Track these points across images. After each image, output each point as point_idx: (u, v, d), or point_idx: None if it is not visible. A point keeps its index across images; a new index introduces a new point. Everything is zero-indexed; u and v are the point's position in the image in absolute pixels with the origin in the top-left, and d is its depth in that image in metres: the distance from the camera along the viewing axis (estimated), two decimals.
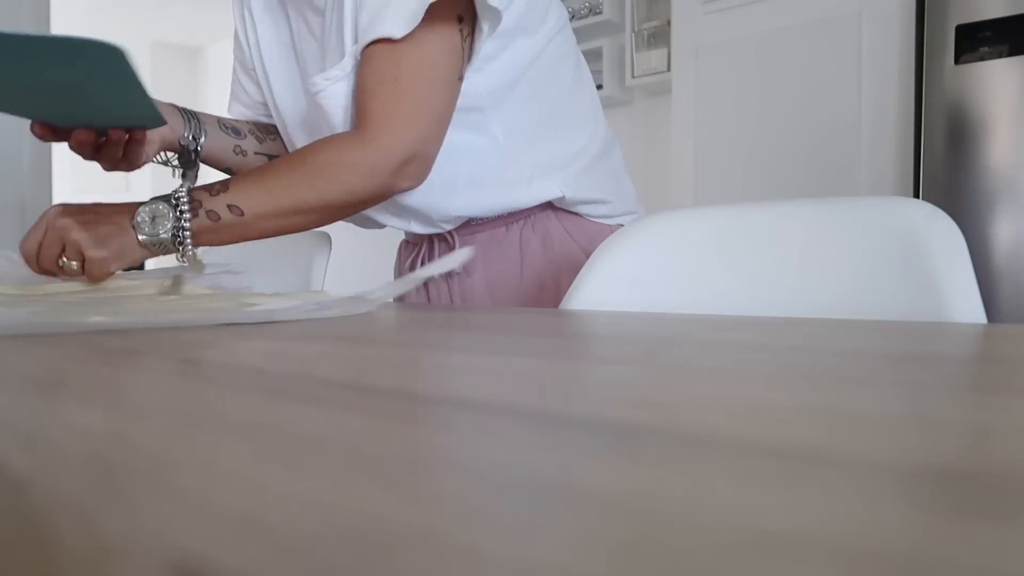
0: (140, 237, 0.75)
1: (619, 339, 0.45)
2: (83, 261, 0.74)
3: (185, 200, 0.76)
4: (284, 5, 1.00)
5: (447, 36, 0.83)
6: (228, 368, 0.32)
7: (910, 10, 2.02)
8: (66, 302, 0.64)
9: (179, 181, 1.04)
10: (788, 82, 2.32)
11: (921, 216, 0.68)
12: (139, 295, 0.73)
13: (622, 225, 1.02)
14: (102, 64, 0.64)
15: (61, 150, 5.39)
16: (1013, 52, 1.74)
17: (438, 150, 0.87)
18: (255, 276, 1.34)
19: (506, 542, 0.12)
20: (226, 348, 0.40)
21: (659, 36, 2.91)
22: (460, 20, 0.84)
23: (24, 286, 0.72)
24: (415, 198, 0.96)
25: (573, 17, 3.14)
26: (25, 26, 2.39)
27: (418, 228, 1.01)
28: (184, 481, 0.16)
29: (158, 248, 0.76)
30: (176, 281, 0.80)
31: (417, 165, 0.85)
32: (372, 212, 0.98)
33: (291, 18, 0.99)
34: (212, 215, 0.76)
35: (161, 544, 0.12)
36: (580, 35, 3.09)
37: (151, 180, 6.54)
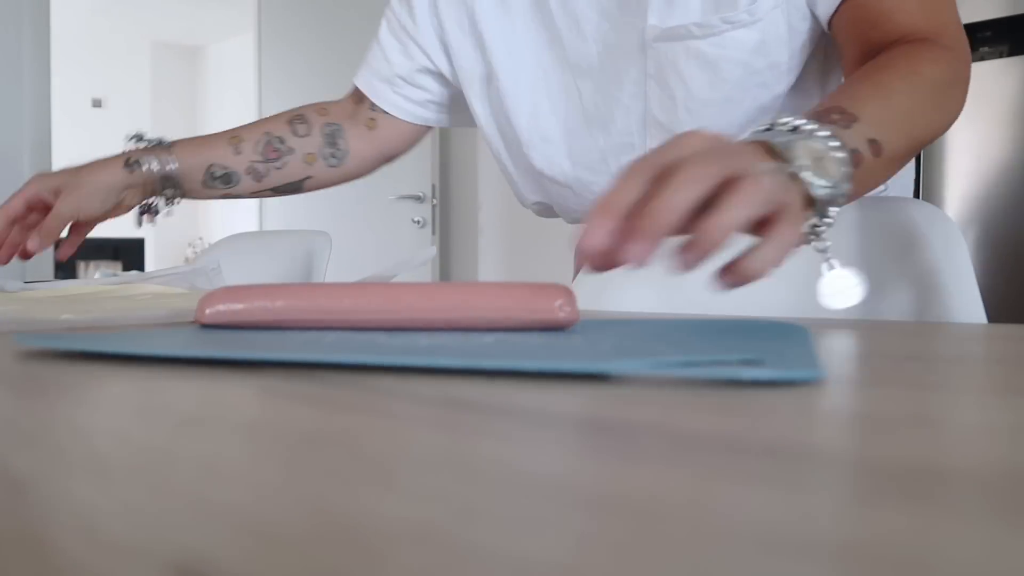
0: (817, 191, 0.43)
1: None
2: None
3: (827, 133, 0.45)
4: None
5: None
6: (225, 368, 0.32)
7: None
8: (38, 300, 0.64)
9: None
10: None
11: (921, 216, 0.68)
12: (113, 296, 0.71)
13: None
14: None
15: (61, 150, 5.40)
16: (1013, 52, 1.74)
17: None
18: (256, 276, 1.34)
19: (506, 542, 0.12)
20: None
21: None
22: None
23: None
24: None
25: None
26: (25, 26, 2.40)
27: None
28: (184, 481, 0.16)
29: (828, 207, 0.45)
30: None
31: None
32: None
33: None
34: (856, 156, 0.48)
35: (161, 544, 0.12)
36: None
37: None
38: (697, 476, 0.16)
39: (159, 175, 0.88)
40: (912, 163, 0.86)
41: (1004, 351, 0.40)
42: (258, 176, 0.93)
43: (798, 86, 0.73)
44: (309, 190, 0.99)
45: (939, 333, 0.49)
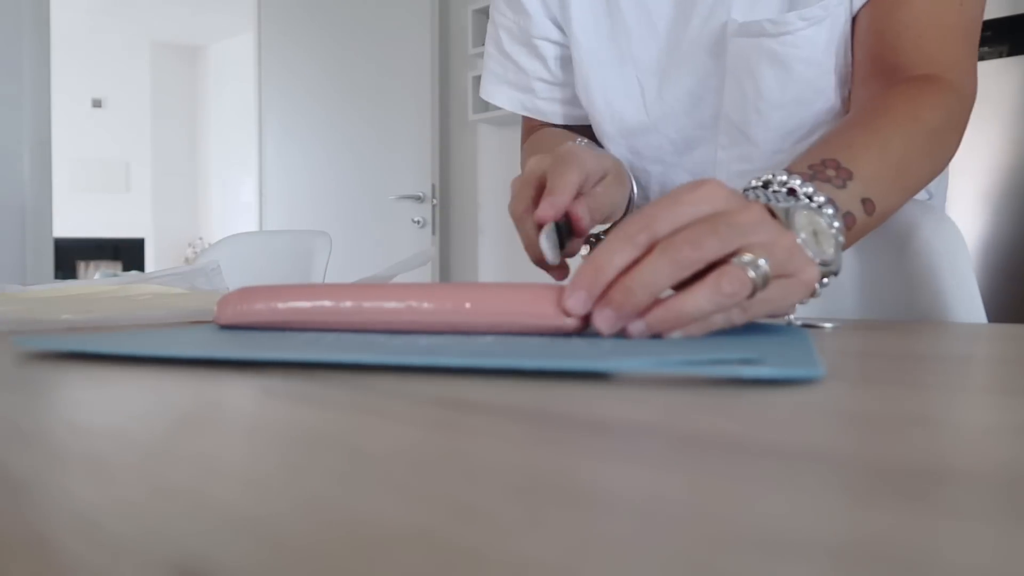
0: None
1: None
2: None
3: (825, 201, 0.46)
4: None
5: None
6: (225, 368, 0.32)
7: None
8: (38, 300, 0.64)
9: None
10: None
11: (921, 216, 0.68)
12: (113, 296, 0.71)
13: None
14: None
15: (61, 150, 5.40)
16: (1013, 52, 1.74)
17: None
18: (256, 276, 1.34)
19: (506, 542, 0.12)
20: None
21: None
22: None
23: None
24: None
25: None
26: (25, 26, 2.39)
27: None
28: (184, 481, 0.16)
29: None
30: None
31: None
32: None
33: None
34: (848, 219, 0.50)
35: (161, 544, 0.12)
36: None
37: (151, 177, 6.55)
38: (697, 476, 0.16)
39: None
40: (947, 170, 0.83)
41: (1004, 351, 0.40)
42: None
43: None
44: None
45: (939, 333, 0.49)
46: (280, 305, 0.41)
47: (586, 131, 0.83)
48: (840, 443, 0.19)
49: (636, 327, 0.36)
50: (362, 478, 0.16)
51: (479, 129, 2.78)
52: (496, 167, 2.74)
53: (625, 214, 0.70)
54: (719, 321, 0.37)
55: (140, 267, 6.40)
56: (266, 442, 0.20)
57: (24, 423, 0.22)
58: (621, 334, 0.36)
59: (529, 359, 0.29)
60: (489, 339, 0.37)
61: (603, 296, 0.36)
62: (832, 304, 0.73)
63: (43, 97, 2.47)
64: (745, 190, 0.47)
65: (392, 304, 0.39)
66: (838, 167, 0.51)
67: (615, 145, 0.79)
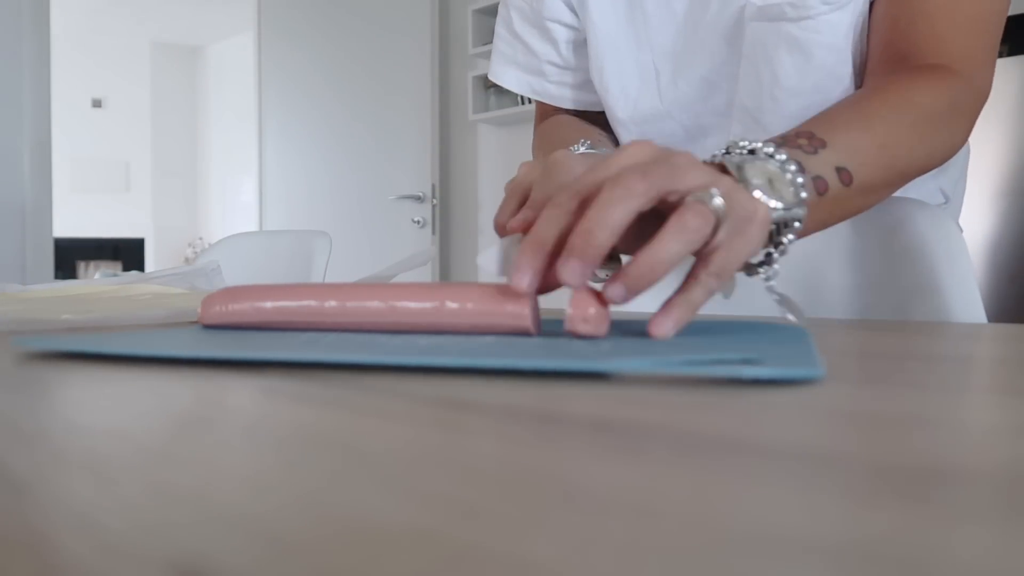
0: (771, 213, 0.41)
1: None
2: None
3: (785, 158, 0.43)
4: None
5: None
6: (225, 368, 0.32)
7: None
8: (38, 300, 0.64)
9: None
10: None
11: (921, 216, 0.68)
12: (113, 296, 0.71)
13: None
14: None
15: (61, 150, 5.40)
16: (1013, 52, 1.74)
17: None
18: (256, 276, 1.34)
19: (506, 542, 0.12)
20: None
21: None
22: None
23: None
24: None
25: None
26: (25, 26, 2.39)
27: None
28: (184, 481, 0.16)
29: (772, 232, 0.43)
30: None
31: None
32: None
33: None
34: (819, 184, 0.48)
35: (161, 544, 0.12)
36: None
37: (151, 178, 6.55)
38: (697, 476, 0.16)
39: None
40: (964, 172, 0.83)
41: (1004, 351, 0.40)
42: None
43: None
44: None
45: (939, 333, 0.49)
46: (263, 305, 0.41)
47: (598, 116, 0.82)
48: (840, 443, 0.19)
49: (615, 291, 0.34)
50: (362, 478, 0.16)
51: (479, 129, 2.78)
52: (496, 167, 2.74)
53: None
54: (700, 297, 0.37)
55: (140, 267, 6.40)
56: (266, 442, 0.20)
57: (24, 423, 0.22)
58: (600, 333, 0.36)
59: (529, 359, 0.29)
60: (489, 339, 0.37)
61: (552, 266, 0.35)
62: (832, 304, 0.73)
63: (43, 97, 2.47)
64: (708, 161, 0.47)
65: (366, 304, 0.40)
66: (812, 137, 0.50)
67: (627, 132, 0.78)
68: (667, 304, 0.37)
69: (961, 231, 0.72)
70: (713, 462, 0.17)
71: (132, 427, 0.22)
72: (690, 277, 0.38)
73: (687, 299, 0.37)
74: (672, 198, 0.37)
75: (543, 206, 0.43)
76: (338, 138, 3.09)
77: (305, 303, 0.40)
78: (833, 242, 0.74)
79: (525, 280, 0.36)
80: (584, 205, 0.36)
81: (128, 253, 6.57)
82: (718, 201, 0.36)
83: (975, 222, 1.77)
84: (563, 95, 0.83)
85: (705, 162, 0.42)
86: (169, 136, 6.65)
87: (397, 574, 0.11)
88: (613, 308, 0.37)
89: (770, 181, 0.42)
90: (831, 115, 0.54)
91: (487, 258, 0.39)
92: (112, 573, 0.11)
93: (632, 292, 0.35)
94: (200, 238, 6.66)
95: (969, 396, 0.27)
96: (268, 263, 1.42)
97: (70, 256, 6.22)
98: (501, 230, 0.47)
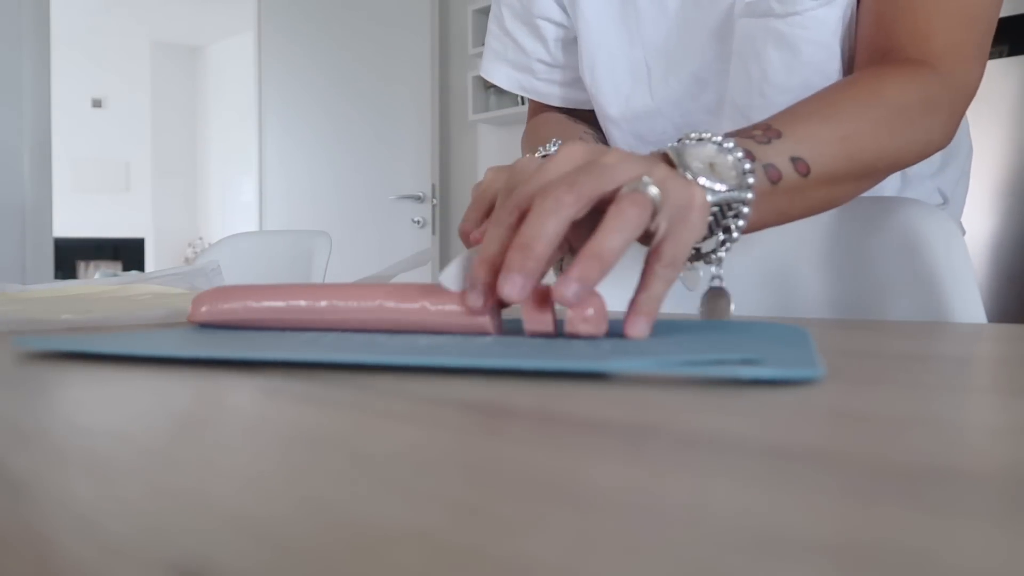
0: (713, 195, 0.42)
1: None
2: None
3: (732, 144, 0.44)
4: None
5: None
6: (225, 368, 0.32)
7: None
8: (38, 300, 0.64)
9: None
10: None
11: (921, 216, 0.68)
12: (113, 296, 0.71)
13: None
14: None
15: (61, 150, 5.40)
16: (1013, 52, 1.74)
17: None
18: (256, 276, 1.34)
19: (506, 542, 0.12)
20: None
21: None
22: None
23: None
24: None
25: None
26: (25, 26, 2.39)
27: None
28: (184, 481, 0.16)
29: (714, 217, 0.44)
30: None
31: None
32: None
33: None
34: (771, 172, 0.47)
35: (161, 544, 0.12)
36: None
37: (151, 178, 6.55)
38: (697, 476, 0.16)
39: None
40: (966, 172, 0.82)
41: (1004, 351, 0.40)
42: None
43: None
44: None
45: (939, 333, 0.49)
46: (251, 304, 0.42)
47: (588, 114, 0.82)
48: (840, 443, 0.19)
49: (568, 289, 0.34)
50: (362, 478, 0.16)
51: (479, 129, 2.78)
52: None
53: None
54: (660, 289, 0.37)
55: (140, 267, 6.40)
56: (266, 442, 0.20)
57: (24, 423, 0.22)
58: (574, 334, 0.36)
59: (529, 359, 0.29)
60: (488, 339, 0.37)
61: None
62: (832, 303, 0.73)
63: (43, 97, 2.47)
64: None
65: (335, 303, 0.40)
66: (768, 128, 0.50)
67: (618, 129, 0.78)
68: (632, 304, 0.38)
69: (963, 232, 0.72)
70: (713, 462, 0.17)
71: (132, 427, 0.22)
72: (646, 272, 0.38)
73: (649, 295, 0.37)
74: (609, 196, 0.37)
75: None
76: (338, 138, 3.09)
77: (292, 303, 0.41)
78: (833, 242, 0.74)
79: (478, 297, 0.37)
80: (523, 218, 0.37)
81: (128, 253, 6.57)
82: (653, 190, 0.37)
83: (975, 222, 1.77)
84: (552, 92, 0.83)
85: (652, 153, 0.43)
86: (169, 136, 6.65)
87: (397, 574, 0.11)
88: (612, 308, 0.37)
89: (711, 165, 0.42)
90: (795, 108, 0.54)
91: (448, 276, 0.40)
92: (111, 574, 0.11)
93: (584, 286, 0.35)
94: (200, 238, 6.66)
95: (969, 396, 0.27)
96: (268, 263, 1.42)
97: (70, 256, 6.22)
98: (465, 238, 0.47)
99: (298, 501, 0.14)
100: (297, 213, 3.30)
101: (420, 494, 0.15)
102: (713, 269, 0.45)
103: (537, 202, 0.36)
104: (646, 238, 0.39)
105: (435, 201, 2.81)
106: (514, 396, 0.25)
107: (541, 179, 0.38)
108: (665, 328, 0.41)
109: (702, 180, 0.41)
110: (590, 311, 0.36)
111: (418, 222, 2.83)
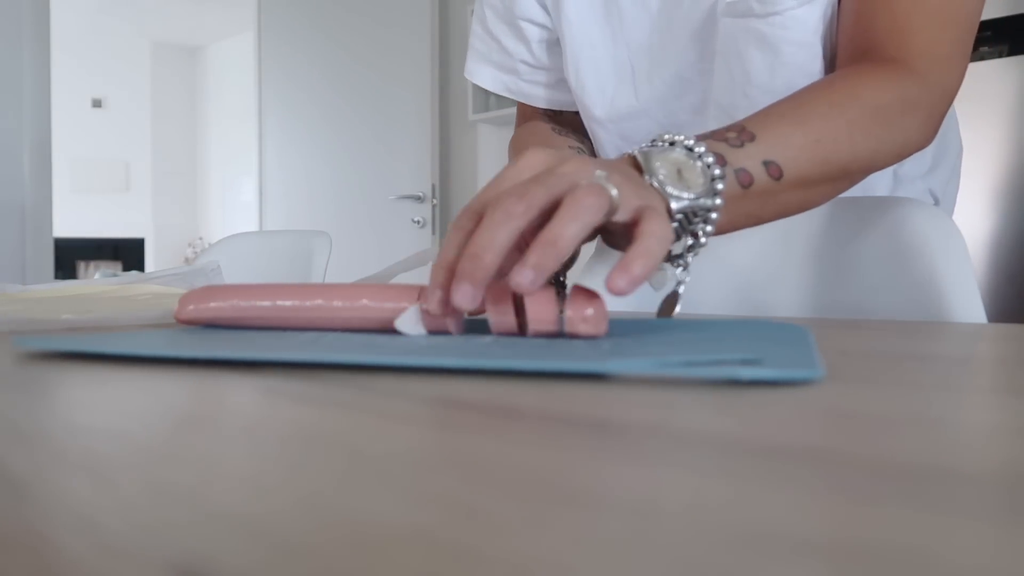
0: (677, 202, 0.42)
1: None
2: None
3: (703, 150, 0.44)
4: None
5: None
6: (225, 368, 0.32)
7: None
8: (38, 300, 0.64)
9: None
10: None
11: (921, 216, 0.68)
12: (113, 296, 0.71)
13: None
14: None
15: (61, 150, 5.40)
16: (1013, 52, 1.74)
17: None
18: (256, 276, 1.34)
19: (506, 542, 0.12)
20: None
21: None
22: None
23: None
24: None
25: None
26: (25, 26, 2.39)
27: None
28: (184, 481, 0.16)
29: (680, 224, 0.43)
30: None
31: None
32: None
33: None
34: (743, 176, 0.47)
35: (161, 544, 0.12)
36: None
37: (151, 178, 6.55)
38: (697, 476, 0.16)
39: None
40: (956, 172, 0.82)
41: (1004, 351, 0.40)
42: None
43: None
44: None
45: (939, 333, 0.49)
46: (238, 303, 0.42)
47: (575, 117, 0.82)
48: (840, 443, 0.19)
49: (524, 277, 0.34)
50: (362, 478, 0.16)
51: (479, 129, 2.78)
52: (496, 167, 2.74)
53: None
54: (653, 246, 0.36)
55: (140, 267, 6.40)
56: (266, 441, 0.20)
57: (24, 423, 0.22)
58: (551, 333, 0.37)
59: (529, 360, 0.29)
60: (488, 339, 0.37)
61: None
62: (832, 303, 0.73)
63: (43, 97, 2.47)
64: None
65: (301, 301, 0.41)
66: (742, 131, 0.49)
67: (603, 130, 0.78)
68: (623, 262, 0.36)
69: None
70: (713, 462, 0.17)
71: (132, 427, 0.22)
72: (634, 241, 0.37)
73: (650, 254, 0.36)
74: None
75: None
76: (338, 138, 3.09)
77: (283, 303, 0.42)
78: (833, 242, 0.74)
79: (438, 303, 0.37)
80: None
81: (128, 253, 6.57)
82: (614, 192, 0.37)
83: (975, 222, 1.77)
84: (536, 94, 0.83)
85: (621, 156, 0.43)
86: (169, 136, 6.65)
87: (397, 574, 0.11)
88: (612, 309, 0.37)
89: (679, 172, 0.42)
90: (769, 109, 0.53)
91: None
92: (112, 574, 0.11)
93: (539, 274, 0.34)
94: (200, 238, 6.66)
95: (969, 396, 0.27)
96: (268, 263, 1.42)
97: (70, 256, 6.22)
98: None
99: (297, 500, 0.14)
100: (297, 213, 3.29)
101: (419, 494, 0.15)
102: (679, 272, 0.44)
103: (488, 212, 0.36)
104: (609, 237, 0.40)
105: (435, 201, 2.81)
106: (514, 396, 0.25)
107: (497, 187, 0.39)
108: (665, 328, 0.41)
109: (669, 188, 0.41)
110: (590, 311, 0.36)
111: (418, 222, 2.83)
